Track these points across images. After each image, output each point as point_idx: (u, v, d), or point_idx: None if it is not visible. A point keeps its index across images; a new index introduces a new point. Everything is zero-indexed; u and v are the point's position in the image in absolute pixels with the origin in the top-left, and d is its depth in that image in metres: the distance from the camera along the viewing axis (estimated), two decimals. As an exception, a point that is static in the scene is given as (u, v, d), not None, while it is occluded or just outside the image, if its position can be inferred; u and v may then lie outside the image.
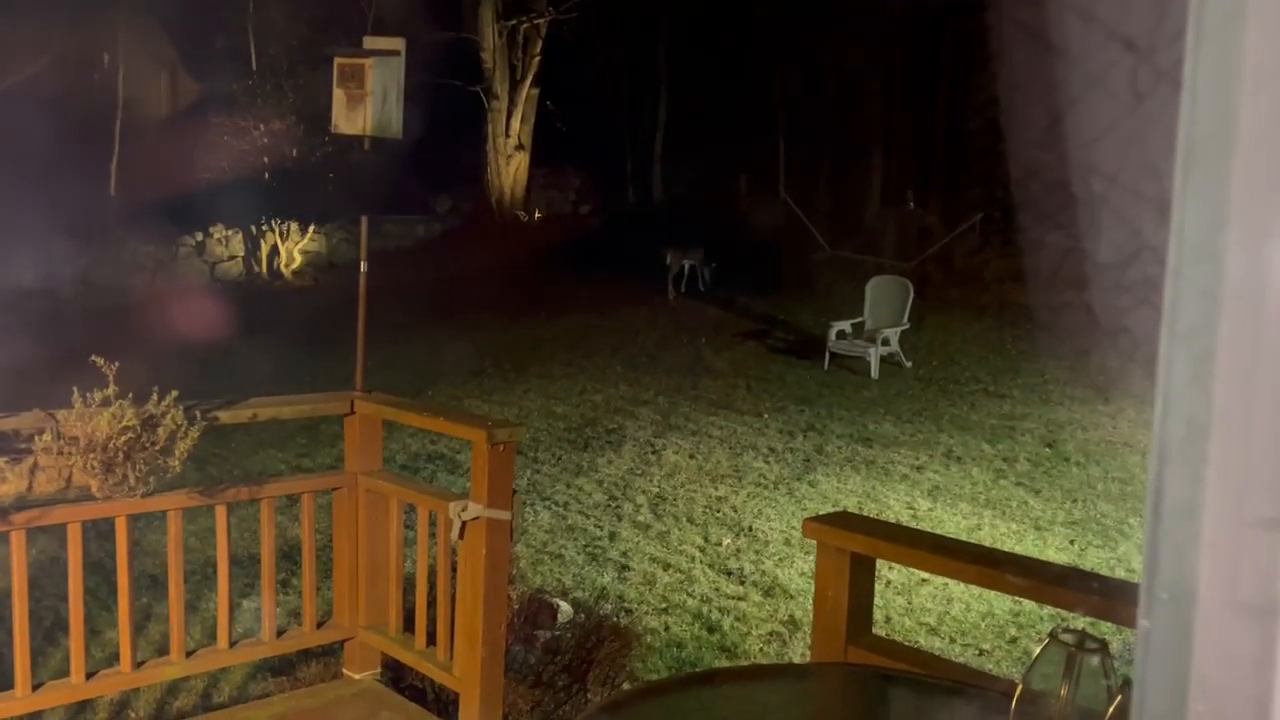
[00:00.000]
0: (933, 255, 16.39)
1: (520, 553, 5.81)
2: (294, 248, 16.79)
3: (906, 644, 4.64)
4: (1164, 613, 0.54)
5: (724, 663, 4.96)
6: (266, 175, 16.98)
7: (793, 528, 6.69)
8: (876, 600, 3.35)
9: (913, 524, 6.76)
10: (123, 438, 3.13)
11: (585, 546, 6.33)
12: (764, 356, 12.56)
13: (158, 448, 3.21)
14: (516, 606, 4.15)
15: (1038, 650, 1.67)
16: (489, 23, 19.33)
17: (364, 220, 4.91)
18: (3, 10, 13.54)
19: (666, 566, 6.08)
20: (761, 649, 5.13)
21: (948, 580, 5.55)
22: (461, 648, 3.53)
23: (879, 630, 3.47)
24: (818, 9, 17.31)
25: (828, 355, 11.78)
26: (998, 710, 1.85)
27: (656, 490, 7.47)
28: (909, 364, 11.88)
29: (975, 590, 5.60)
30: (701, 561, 6.19)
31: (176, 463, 3.26)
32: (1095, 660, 1.62)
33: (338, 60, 4.52)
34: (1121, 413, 9.73)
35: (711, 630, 5.29)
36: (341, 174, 16.66)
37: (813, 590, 2.75)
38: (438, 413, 4.19)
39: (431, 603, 3.71)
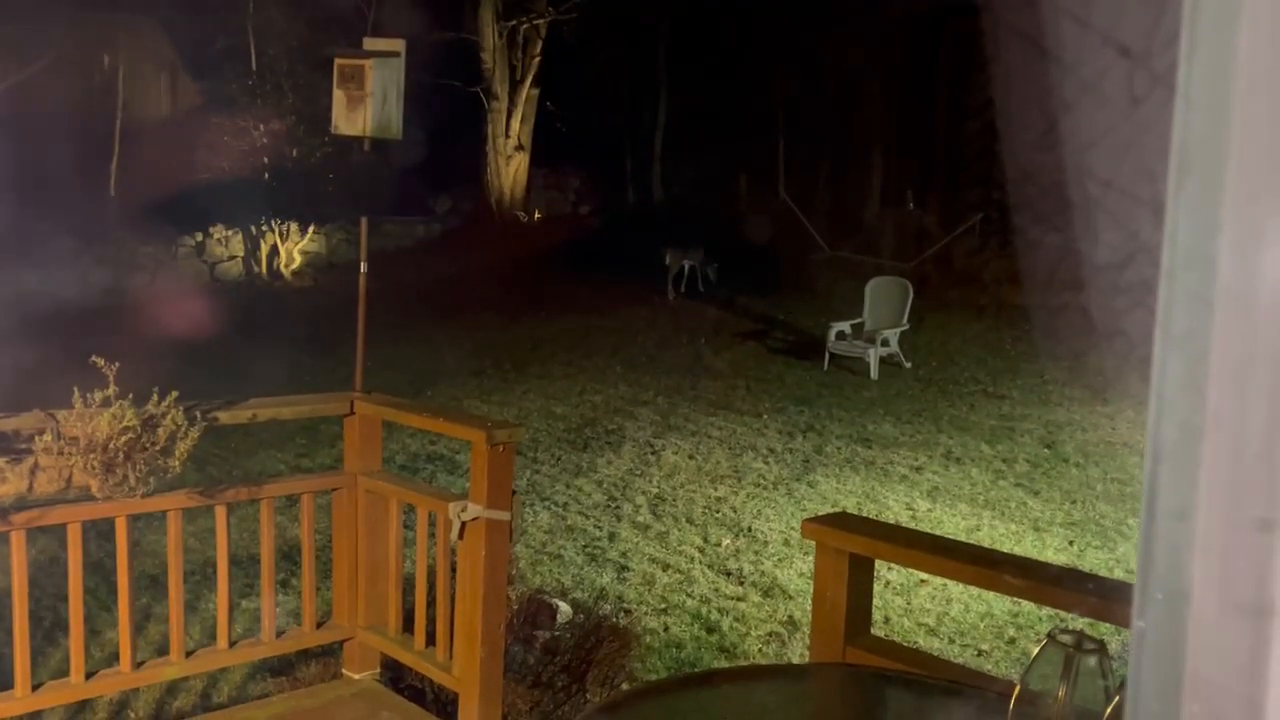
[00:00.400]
0: (932, 256, 16.40)
1: (519, 553, 5.82)
2: (294, 248, 16.79)
3: (905, 645, 4.65)
4: (1159, 613, 0.54)
5: (723, 663, 4.97)
6: (266, 176, 16.97)
7: (792, 528, 6.69)
8: (875, 601, 3.36)
9: (912, 525, 6.76)
10: (123, 438, 3.13)
11: (584, 547, 6.33)
12: (763, 357, 12.57)
13: (158, 448, 3.21)
14: (516, 607, 4.15)
15: (1036, 651, 1.68)
16: (489, 23, 19.33)
17: (364, 221, 4.91)
18: (3, 11, 13.54)
19: (666, 567, 6.09)
20: (760, 649, 5.13)
21: (946, 581, 5.55)
22: (461, 648, 3.53)
23: (878, 631, 3.48)
24: (818, 9, 17.30)
25: (827, 356, 11.78)
26: (996, 711, 1.85)
27: (656, 491, 7.48)
28: (908, 364, 11.88)
29: (974, 591, 5.60)
30: (701, 562, 6.19)
31: (176, 463, 3.27)
32: (1093, 661, 1.62)
33: (337, 61, 4.52)
34: (1120, 414, 9.73)
35: (710, 631, 5.29)
36: (341, 175, 16.65)
37: (812, 591, 2.76)
38: (437, 413, 4.20)
39: (431, 603, 3.71)
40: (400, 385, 9.05)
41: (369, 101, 4.37)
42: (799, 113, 19.12)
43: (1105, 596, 2.23)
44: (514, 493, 3.53)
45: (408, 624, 3.83)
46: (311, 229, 16.93)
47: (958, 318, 14.13)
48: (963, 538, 6.51)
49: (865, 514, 6.91)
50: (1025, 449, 8.88)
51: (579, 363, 11.73)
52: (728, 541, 6.54)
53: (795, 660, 4.96)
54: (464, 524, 3.46)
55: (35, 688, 3.25)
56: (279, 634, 3.83)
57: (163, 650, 3.71)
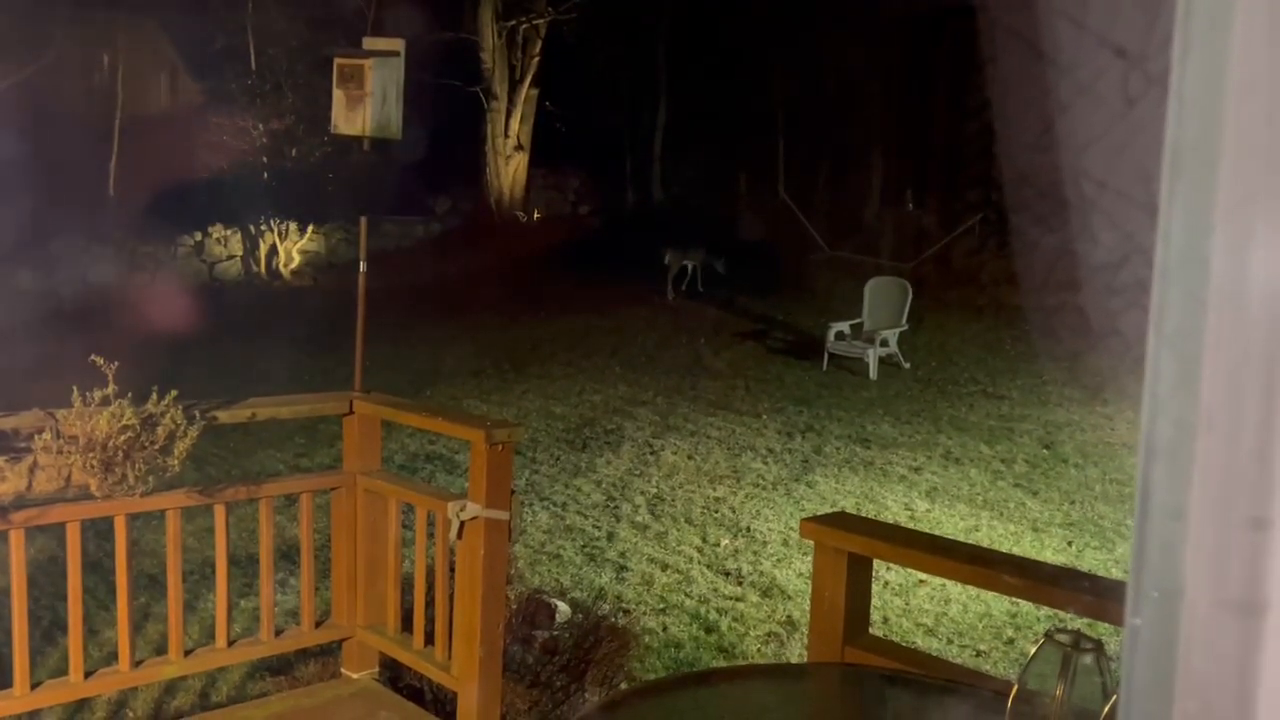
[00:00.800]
0: (931, 256, 16.40)
1: (518, 553, 5.82)
2: (293, 248, 16.79)
3: (904, 644, 4.65)
4: (1153, 610, 0.55)
5: (721, 663, 4.97)
6: (265, 175, 16.97)
7: (790, 528, 6.69)
8: (874, 601, 3.36)
9: (910, 525, 6.77)
10: (122, 437, 3.14)
11: (583, 547, 6.34)
12: (763, 357, 12.57)
13: (157, 447, 3.22)
14: (514, 606, 4.16)
15: (1034, 650, 1.68)
16: (488, 23, 19.33)
17: (363, 220, 4.91)
18: (2, 10, 13.54)
19: (664, 567, 6.09)
20: (759, 649, 5.14)
21: (945, 581, 5.56)
22: (459, 647, 3.53)
23: (876, 631, 3.48)
24: (818, 9, 17.32)
25: (826, 356, 11.79)
26: (994, 710, 1.86)
27: (655, 491, 7.48)
28: (907, 365, 11.89)
29: (973, 591, 5.61)
30: (699, 562, 6.20)
31: (175, 462, 3.27)
32: (1090, 660, 1.63)
33: (337, 61, 4.52)
34: (1119, 414, 9.73)
35: (709, 630, 5.30)
36: (341, 174, 16.66)
37: (810, 590, 2.76)
38: (436, 413, 4.20)
39: (430, 602, 3.72)
40: (399, 385, 9.05)
41: (368, 101, 4.37)
42: (799, 113, 19.13)
43: (1102, 596, 2.24)
44: (513, 492, 3.53)
45: (406, 623, 3.83)
46: (311, 228, 16.93)
47: (957, 318, 14.14)
48: (961, 538, 6.52)
49: (864, 514, 6.91)
50: (1024, 449, 8.88)
51: (578, 363, 11.73)
52: (726, 541, 6.54)
53: (794, 660, 4.96)
54: (463, 523, 3.46)
55: (34, 686, 3.26)
56: (278, 633, 3.84)
57: (161, 649, 3.71)
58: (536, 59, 19.91)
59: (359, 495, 3.89)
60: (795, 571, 6.02)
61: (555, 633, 4.41)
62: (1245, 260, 0.51)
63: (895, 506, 7.35)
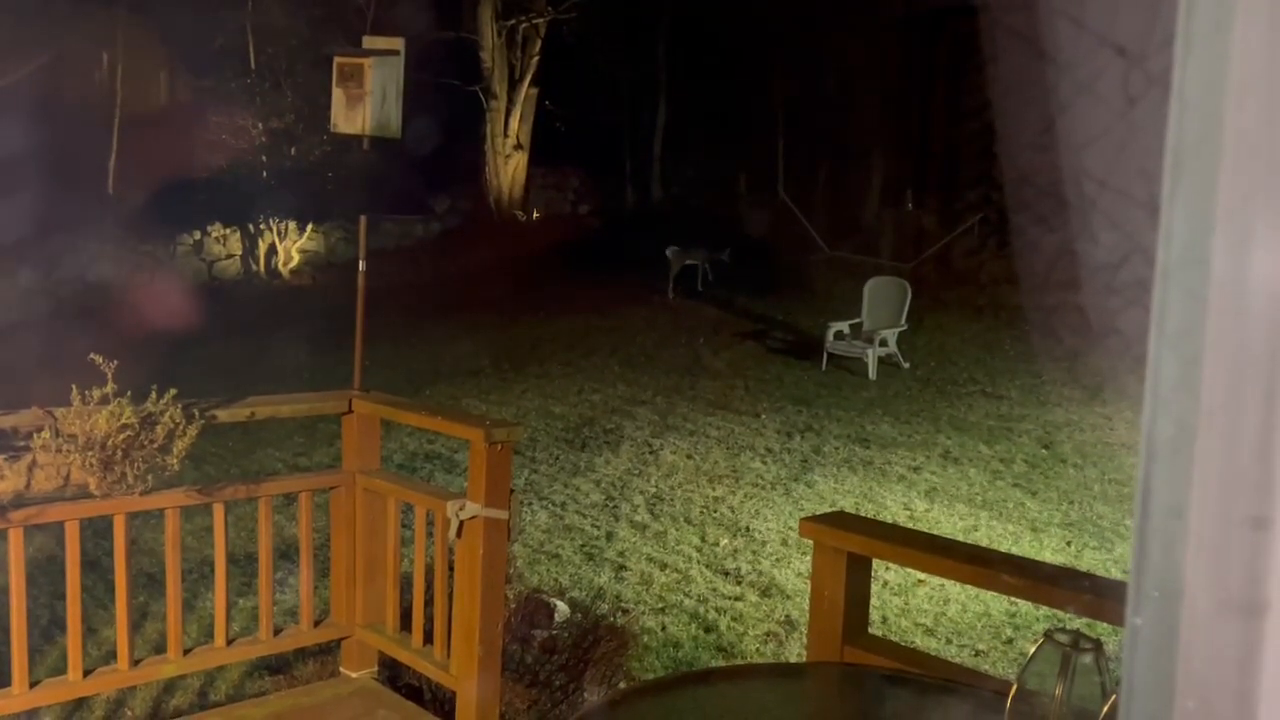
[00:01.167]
0: (931, 256, 16.41)
1: (517, 552, 5.82)
2: (292, 247, 16.79)
3: (903, 644, 4.65)
4: (1153, 610, 0.55)
5: (720, 662, 4.97)
6: (265, 174, 16.97)
7: (790, 528, 6.70)
8: (873, 601, 3.36)
9: (910, 525, 6.77)
10: (121, 435, 3.14)
11: (582, 546, 6.34)
12: (762, 357, 12.57)
13: (156, 446, 3.22)
14: (513, 606, 4.16)
15: (1033, 650, 1.68)
16: (488, 22, 19.33)
17: (362, 219, 4.91)
18: (2, 9, 13.54)
19: (663, 566, 6.09)
20: (758, 649, 5.14)
21: (944, 581, 5.56)
22: (458, 646, 3.53)
23: (875, 631, 3.48)
24: (817, 9, 17.31)
25: (825, 356, 11.79)
26: (993, 709, 1.86)
27: (654, 490, 7.48)
28: (907, 365, 11.89)
29: (972, 591, 5.61)
30: (698, 561, 6.20)
31: (174, 461, 3.27)
32: (1089, 659, 1.63)
33: (337, 60, 4.52)
34: (1119, 414, 9.74)
35: (708, 630, 5.30)
36: (340, 173, 16.66)
37: (809, 590, 2.76)
38: (435, 412, 4.20)
39: (429, 602, 3.72)
40: (399, 384, 9.05)
41: (368, 100, 4.37)
42: (799, 113, 19.12)
43: (1101, 596, 2.24)
44: (512, 492, 3.53)
45: (405, 622, 3.83)
46: (310, 227, 16.92)
47: (956, 318, 14.14)
48: (960, 538, 6.52)
49: (863, 514, 6.91)
50: (1023, 449, 8.89)
51: (577, 362, 11.73)
52: (725, 541, 6.54)
53: (793, 660, 4.96)
54: (462, 523, 3.46)
55: (33, 685, 3.25)
56: (277, 632, 3.84)
57: (160, 648, 3.71)
58: (536, 58, 19.91)
59: (358, 494, 3.89)
60: (794, 571, 6.02)
61: (554, 632, 4.41)
62: (1246, 260, 0.51)
63: (894, 506, 7.35)
